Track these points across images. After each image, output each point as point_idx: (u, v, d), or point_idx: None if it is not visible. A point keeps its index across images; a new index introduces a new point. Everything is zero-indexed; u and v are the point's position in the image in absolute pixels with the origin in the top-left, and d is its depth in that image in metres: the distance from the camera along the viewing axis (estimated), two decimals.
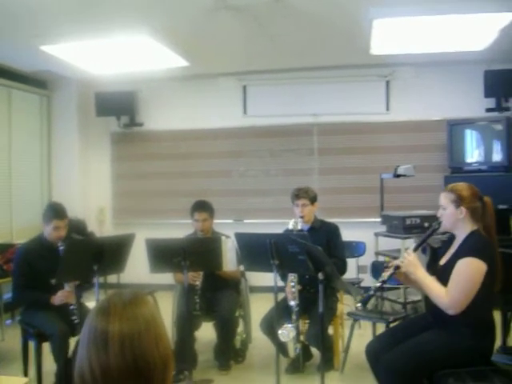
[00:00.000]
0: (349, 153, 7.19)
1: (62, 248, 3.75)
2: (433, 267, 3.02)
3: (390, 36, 5.32)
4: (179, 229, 5.12)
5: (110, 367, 1.17)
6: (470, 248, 2.73)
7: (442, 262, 2.93)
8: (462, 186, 2.88)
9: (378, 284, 2.96)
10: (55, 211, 3.94)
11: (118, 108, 7.50)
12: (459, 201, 2.84)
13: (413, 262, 2.86)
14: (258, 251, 3.57)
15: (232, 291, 4.54)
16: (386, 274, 2.96)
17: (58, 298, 3.79)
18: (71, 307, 3.80)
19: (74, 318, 3.75)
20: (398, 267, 2.91)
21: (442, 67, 6.89)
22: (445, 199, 2.89)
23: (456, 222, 2.86)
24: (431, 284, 2.78)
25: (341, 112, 7.14)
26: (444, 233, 3.13)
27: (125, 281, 5.82)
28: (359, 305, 3.08)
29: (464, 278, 2.65)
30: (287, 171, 7.30)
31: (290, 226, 4.04)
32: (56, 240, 3.88)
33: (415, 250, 2.93)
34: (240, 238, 3.76)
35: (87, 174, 7.84)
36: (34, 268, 3.82)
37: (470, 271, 2.64)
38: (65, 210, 4.01)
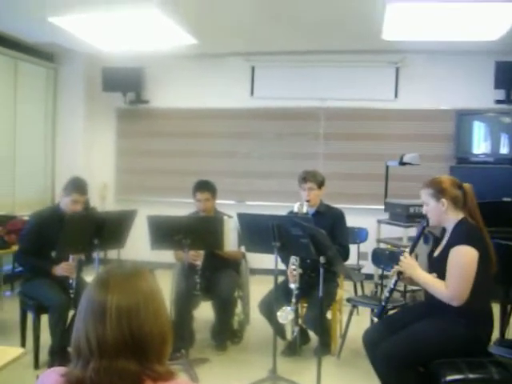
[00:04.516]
0: (355, 139, 7.17)
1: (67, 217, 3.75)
2: (431, 258, 3.04)
3: (403, 21, 5.26)
4: (181, 208, 5.12)
5: (106, 339, 1.17)
6: (459, 236, 2.76)
7: (436, 253, 2.94)
8: (439, 179, 2.90)
9: (387, 294, 2.99)
10: (77, 186, 3.95)
11: (124, 84, 7.47)
12: (438, 194, 2.86)
13: (410, 264, 2.88)
14: (260, 232, 3.59)
15: (232, 272, 4.54)
16: (391, 283, 2.98)
17: (61, 269, 3.80)
18: (70, 281, 3.80)
19: (71, 291, 3.76)
20: (400, 273, 2.93)
21: (453, 56, 6.83)
22: (425, 195, 2.92)
23: (440, 214, 2.88)
24: (430, 281, 2.80)
25: (349, 97, 7.11)
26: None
27: (125, 257, 5.83)
28: (375, 318, 3.11)
29: (459, 267, 2.66)
30: (292, 154, 7.30)
31: (295, 209, 4.05)
32: (70, 212, 3.89)
33: (411, 252, 2.94)
34: (242, 218, 3.76)
35: (91, 149, 7.83)
36: (43, 237, 3.82)
37: (462, 259, 2.66)
38: (86, 187, 4.03)
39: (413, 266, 2.88)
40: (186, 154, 7.60)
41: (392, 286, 2.97)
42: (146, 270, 1.31)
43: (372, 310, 4.18)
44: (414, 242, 2.97)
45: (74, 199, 3.89)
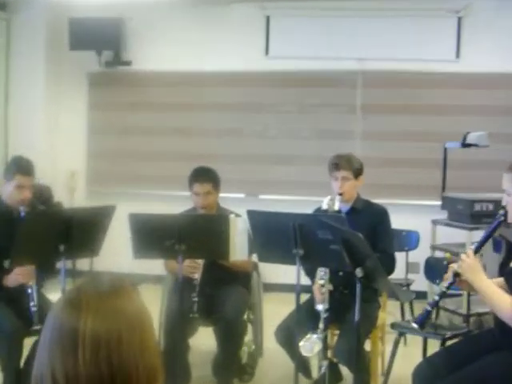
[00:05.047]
0: (403, 112, 7.13)
1: (24, 215, 3.76)
2: (505, 269, 3.04)
3: None
4: (174, 203, 5.18)
5: (77, 376, 1.16)
6: None
7: None
8: None
9: (437, 298, 3.02)
10: (20, 165, 3.97)
11: (98, 40, 7.43)
12: None
13: (472, 265, 2.88)
14: (277, 236, 3.63)
15: (240, 288, 4.55)
16: (443, 285, 3.01)
17: (13, 278, 3.79)
18: (29, 291, 3.78)
19: (31, 304, 3.73)
20: (457, 274, 2.94)
21: None
22: (509, 182, 2.90)
23: None
24: (493, 291, 2.81)
25: (394, 57, 7.05)
26: None
27: (100, 268, 5.83)
28: (415, 325, 3.11)
29: None
30: (320, 133, 7.25)
31: (324, 206, 4.07)
32: (18, 204, 3.88)
33: (476, 251, 2.94)
34: (254, 217, 3.79)
35: (55, 127, 7.81)
36: None
37: None
38: (32, 166, 4.03)
39: (475, 269, 2.87)
40: (179, 133, 7.58)
41: (444, 289, 2.99)
42: (128, 285, 1.31)
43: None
44: (483, 239, 2.98)
45: (19, 183, 3.88)
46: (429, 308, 3.02)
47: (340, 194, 4.15)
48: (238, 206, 4.76)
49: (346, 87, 7.26)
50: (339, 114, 7.28)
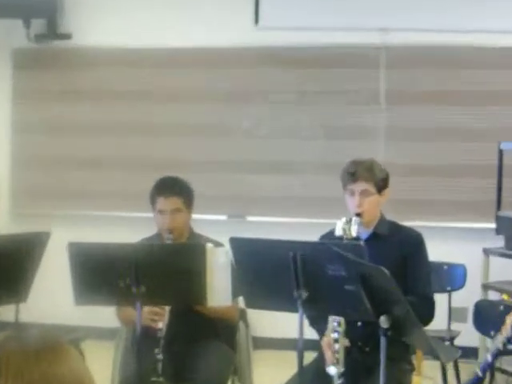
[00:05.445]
0: (442, 102, 7.13)
1: None
2: None
3: None
4: (130, 228, 5.37)
5: None
6: None
7: None
8: None
9: (490, 358, 3.11)
10: None
11: (26, 6, 7.43)
12: None
13: None
14: (271, 273, 3.67)
15: (221, 344, 4.56)
16: (500, 339, 3.08)
17: None
18: None
19: None
20: None
21: None
22: None
23: None
24: None
25: (431, 26, 7.02)
26: None
27: (28, 318, 5.62)
28: (479, 373, 3.15)
29: None
30: (329, 131, 7.23)
31: (338, 231, 4.04)
32: None
33: None
34: (240, 247, 3.82)
35: None
36: None
37: None
38: None
39: None
40: (138, 132, 7.57)
41: (501, 345, 3.08)
42: (64, 342, 1.31)
43: None
44: None
45: None
46: (480, 374, 3.05)
47: (358, 215, 4.14)
48: (218, 231, 4.82)
49: (365, 67, 7.20)
50: (355, 106, 7.23)
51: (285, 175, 7.36)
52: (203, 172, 6.91)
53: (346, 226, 4.01)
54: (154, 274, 3.92)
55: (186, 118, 7.52)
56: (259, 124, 7.48)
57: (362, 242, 4.00)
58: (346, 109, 7.31)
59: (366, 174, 4.25)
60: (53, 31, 7.65)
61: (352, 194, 4.25)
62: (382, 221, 4.39)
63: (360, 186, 4.24)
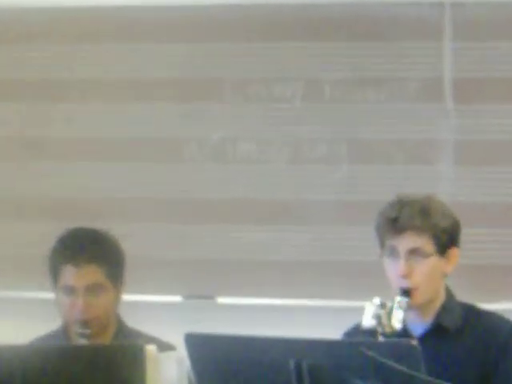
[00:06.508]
0: None
1: None
2: None
3: None
4: (11, 317, 5.29)
5: None
6: None
7: None
8: None
9: None
10: None
11: None
12: None
13: None
14: None
15: None
16: None
17: None
18: None
19: None
20: None
21: None
22: None
23: None
24: None
25: None
26: None
27: None
28: None
29: None
30: (357, 147, 6.04)
31: (367, 321, 3.40)
32: None
33: None
34: (204, 350, 3.17)
35: None
36: None
37: None
38: None
39: None
40: (26, 149, 6.39)
41: None
42: None
43: None
44: None
45: None
46: None
47: (405, 293, 3.55)
48: (167, 321, 4.95)
49: (418, 41, 6.08)
50: (398, 106, 6.03)
51: (280, 224, 6.13)
52: (141, 220, 5.89)
53: (382, 311, 3.48)
54: None
55: (108, 127, 6.26)
56: (237, 136, 6.17)
57: (414, 342, 3.10)
58: (383, 112, 6.08)
59: (419, 222, 3.66)
60: None
61: (394, 254, 3.67)
62: (450, 304, 3.80)
63: (408, 241, 3.65)
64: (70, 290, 3.88)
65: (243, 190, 6.00)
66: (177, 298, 5.91)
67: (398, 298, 3.46)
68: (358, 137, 5.89)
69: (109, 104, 6.09)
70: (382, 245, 3.68)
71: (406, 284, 3.53)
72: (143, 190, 6.03)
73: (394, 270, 3.60)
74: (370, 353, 2.76)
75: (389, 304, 3.41)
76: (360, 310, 3.41)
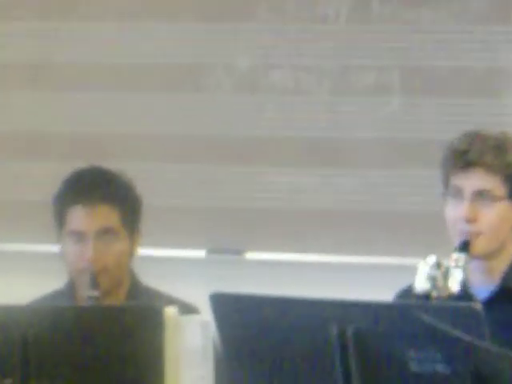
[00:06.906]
0: None
1: None
2: None
3: None
4: (12, 273, 5.17)
5: None
6: None
7: None
8: None
9: None
10: None
11: None
12: None
13: None
14: (291, 361, 2.90)
15: None
16: None
17: None
18: None
19: None
20: None
21: None
22: None
23: None
24: None
25: None
26: None
27: None
28: None
29: None
30: (413, 76, 5.77)
31: (420, 284, 3.20)
32: None
33: None
34: (231, 311, 3.03)
35: None
36: None
37: None
38: None
39: None
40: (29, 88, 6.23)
41: None
42: None
43: None
44: None
45: None
46: None
47: (464, 247, 3.35)
48: (189, 281, 4.80)
49: None
50: (461, 26, 5.68)
51: (319, 167, 5.87)
52: (157, 160, 5.67)
53: (437, 272, 3.25)
54: (62, 366, 3.08)
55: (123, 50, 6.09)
56: (267, 64, 5.89)
57: (477, 305, 2.80)
58: (441, 35, 5.79)
59: (491, 159, 3.48)
60: None
61: (459, 195, 3.47)
62: None
63: (476, 180, 3.47)
64: (79, 236, 3.67)
65: (276, 127, 5.77)
66: (200, 253, 5.71)
67: (455, 255, 3.27)
68: (412, 64, 5.68)
69: (123, 22, 5.84)
70: (446, 183, 3.51)
71: (467, 229, 3.36)
72: (157, 126, 5.85)
73: (456, 212, 3.43)
74: (426, 318, 2.57)
75: (445, 263, 3.23)
76: (412, 270, 3.22)
